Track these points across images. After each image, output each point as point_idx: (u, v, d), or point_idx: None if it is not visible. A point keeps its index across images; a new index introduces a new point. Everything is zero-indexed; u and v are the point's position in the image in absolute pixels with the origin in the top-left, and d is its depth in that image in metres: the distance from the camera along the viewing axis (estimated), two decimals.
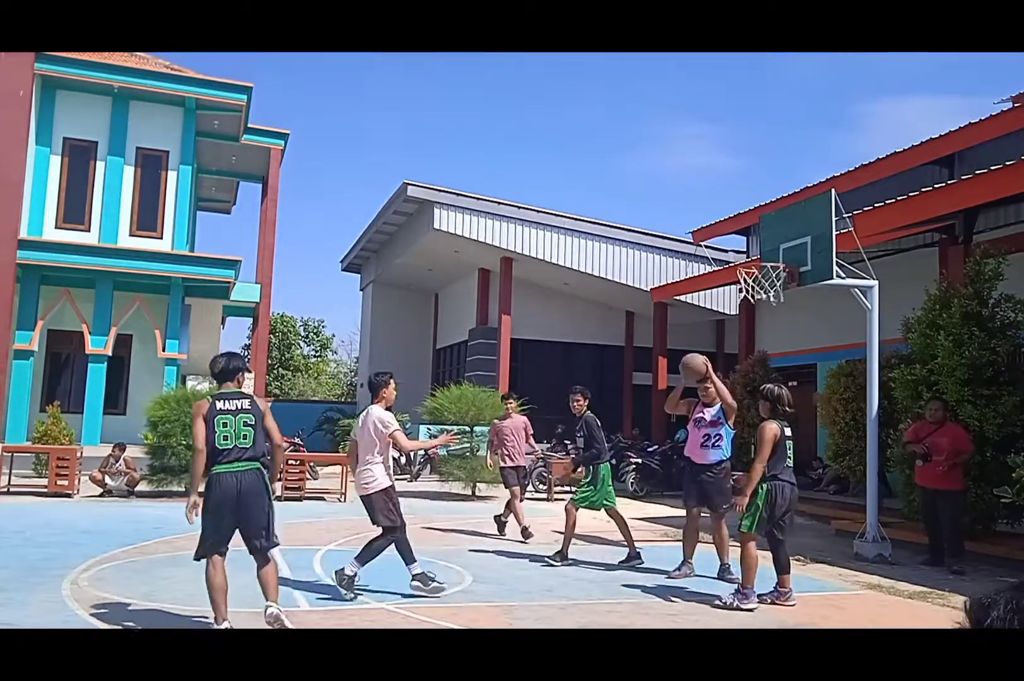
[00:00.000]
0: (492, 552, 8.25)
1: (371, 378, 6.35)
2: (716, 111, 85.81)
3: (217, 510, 4.66)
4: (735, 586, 6.20)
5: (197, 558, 4.80)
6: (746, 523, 6.10)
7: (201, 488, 4.73)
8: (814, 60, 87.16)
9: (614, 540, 9.01)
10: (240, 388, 4.94)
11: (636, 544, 7.73)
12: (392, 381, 6.30)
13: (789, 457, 6.13)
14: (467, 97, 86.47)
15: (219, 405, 4.72)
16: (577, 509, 7.64)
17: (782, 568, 6.19)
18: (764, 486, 6.05)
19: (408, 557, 6.09)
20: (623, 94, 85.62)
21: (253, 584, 6.02)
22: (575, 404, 8.21)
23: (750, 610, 5.89)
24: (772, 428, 6.08)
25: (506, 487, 9.59)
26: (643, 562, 7.56)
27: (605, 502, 7.66)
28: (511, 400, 10.30)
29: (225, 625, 4.65)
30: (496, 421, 10.07)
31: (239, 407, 4.77)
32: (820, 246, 8.74)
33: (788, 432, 6.13)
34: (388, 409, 6.25)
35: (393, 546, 6.11)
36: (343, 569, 5.97)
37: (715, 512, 7.13)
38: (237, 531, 4.79)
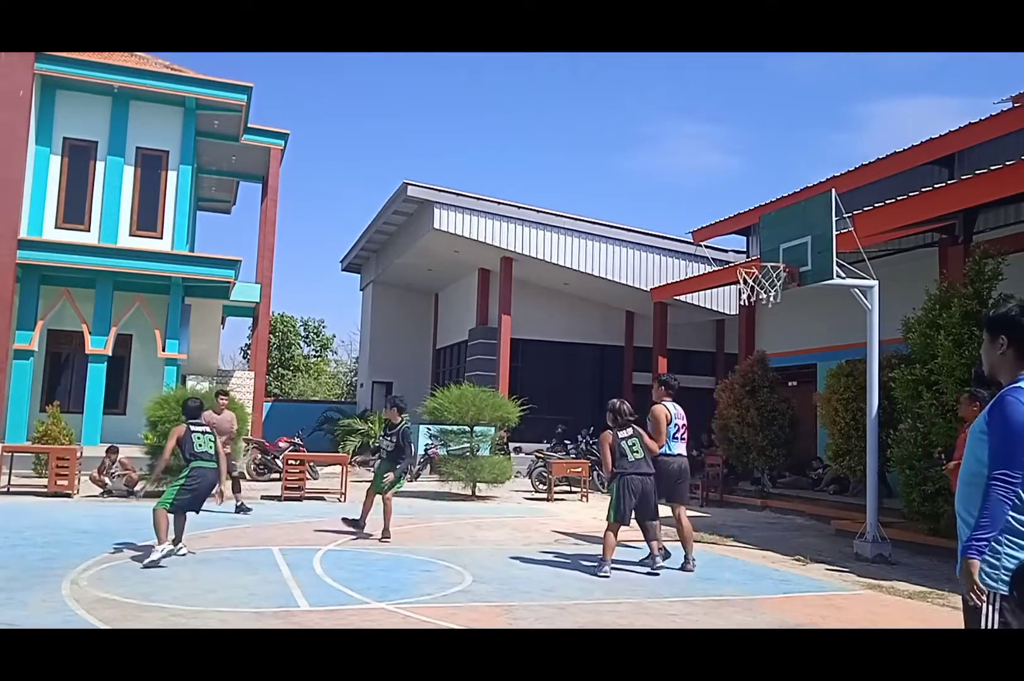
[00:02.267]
0: (492, 552, 8.25)
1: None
2: (716, 111, 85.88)
3: (197, 488, 7.26)
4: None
5: (171, 511, 7.18)
6: (608, 514, 7.40)
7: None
8: (814, 60, 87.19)
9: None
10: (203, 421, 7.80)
11: (633, 544, 7.78)
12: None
13: (632, 454, 7.39)
14: (467, 97, 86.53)
15: (193, 428, 7.53)
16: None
17: (651, 539, 7.58)
18: (613, 484, 7.36)
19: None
20: (623, 94, 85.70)
21: (253, 584, 6.03)
22: (391, 416, 9.23)
23: (605, 577, 6.98)
24: (607, 436, 7.51)
25: None
26: None
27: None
28: (224, 396, 11.41)
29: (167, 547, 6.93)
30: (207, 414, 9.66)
31: (204, 431, 7.59)
32: (820, 246, 8.75)
33: (625, 433, 7.49)
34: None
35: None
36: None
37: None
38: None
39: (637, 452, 7.42)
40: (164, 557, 6.83)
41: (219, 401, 11.28)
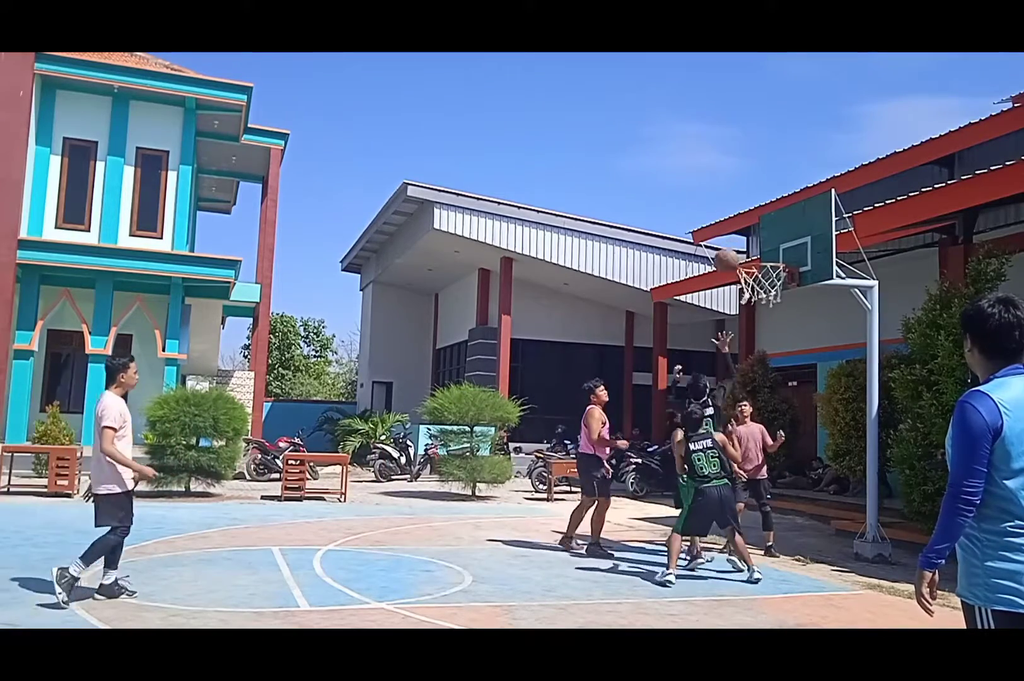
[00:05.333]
0: (492, 552, 8.25)
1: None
2: (716, 111, 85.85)
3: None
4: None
5: (685, 533, 7.27)
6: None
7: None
8: (814, 60, 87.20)
9: (616, 540, 9.02)
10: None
11: (633, 544, 7.78)
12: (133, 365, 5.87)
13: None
14: (467, 97, 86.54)
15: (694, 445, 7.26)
16: None
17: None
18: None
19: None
20: (623, 94, 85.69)
21: (253, 584, 6.02)
22: None
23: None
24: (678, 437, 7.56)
25: None
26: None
27: None
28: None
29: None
30: None
31: (707, 446, 7.25)
32: (820, 246, 8.75)
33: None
34: (124, 397, 5.84)
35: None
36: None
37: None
38: None
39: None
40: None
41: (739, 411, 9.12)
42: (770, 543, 8.66)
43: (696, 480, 7.07)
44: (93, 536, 5.68)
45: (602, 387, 8.68)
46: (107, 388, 5.76)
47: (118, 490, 5.63)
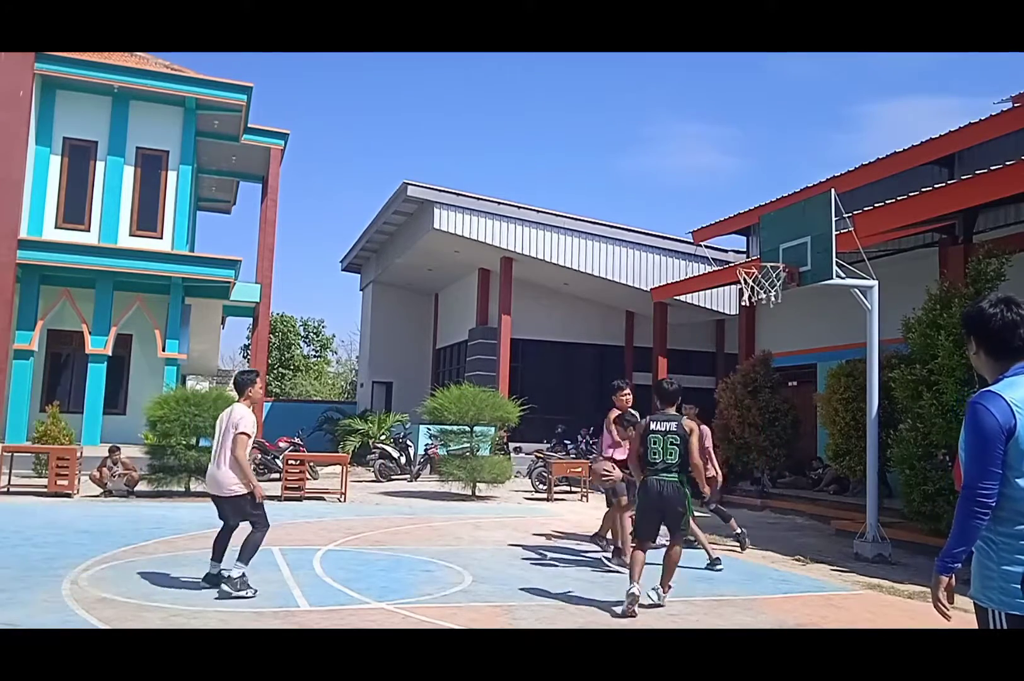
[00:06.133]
0: (492, 552, 8.24)
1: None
2: (716, 111, 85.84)
3: None
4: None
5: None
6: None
7: None
8: (814, 60, 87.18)
9: (612, 539, 9.02)
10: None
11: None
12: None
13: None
14: (467, 97, 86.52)
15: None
16: None
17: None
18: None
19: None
20: (623, 94, 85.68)
21: (253, 584, 6.01)
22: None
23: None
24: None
25: None
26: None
27: None
28: None
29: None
30: None
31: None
32: (820, 246, 8.75)
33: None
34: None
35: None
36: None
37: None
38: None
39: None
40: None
41: None
42: (737, 531, 8.77)
43: (644, 469, 5.89)
44: (93, 536, 5.68)
45: (623, 390, 8.05)
46: (238, 401, 6.22)
47: (244, 491, 6.03)
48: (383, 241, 25.45)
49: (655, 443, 5.86)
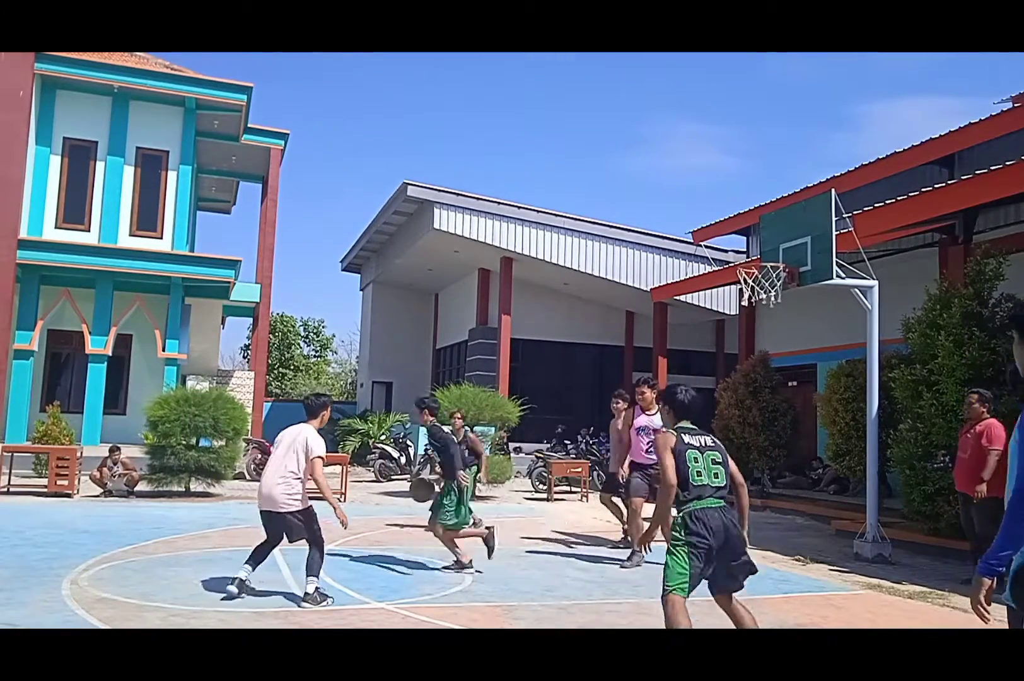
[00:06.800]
0: None
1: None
2: (716, 111, 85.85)
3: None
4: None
5: None
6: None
7: None
8: (813, 61, 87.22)
9: (614, 539, 9.01)
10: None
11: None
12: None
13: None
14: (467, 97, 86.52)
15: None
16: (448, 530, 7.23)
17: None
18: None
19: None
20: (623, 94, 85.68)
21: (253, 584, 6.01)
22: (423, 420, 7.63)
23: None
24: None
25: None
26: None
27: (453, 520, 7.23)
28: None
29: None
30: None
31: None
32: (820, 246, 8.74)
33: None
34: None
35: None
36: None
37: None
38: None
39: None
40: None
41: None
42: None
43: (686, 495, 4.39)
44: (93, 536, 5.69)
45: (644, 388, 8.37)
46: (307, 421, 6.39)
47: (298, 507, 6.11)
48: (383, 241, 25.45)
49: (696, 461, 4.43)
